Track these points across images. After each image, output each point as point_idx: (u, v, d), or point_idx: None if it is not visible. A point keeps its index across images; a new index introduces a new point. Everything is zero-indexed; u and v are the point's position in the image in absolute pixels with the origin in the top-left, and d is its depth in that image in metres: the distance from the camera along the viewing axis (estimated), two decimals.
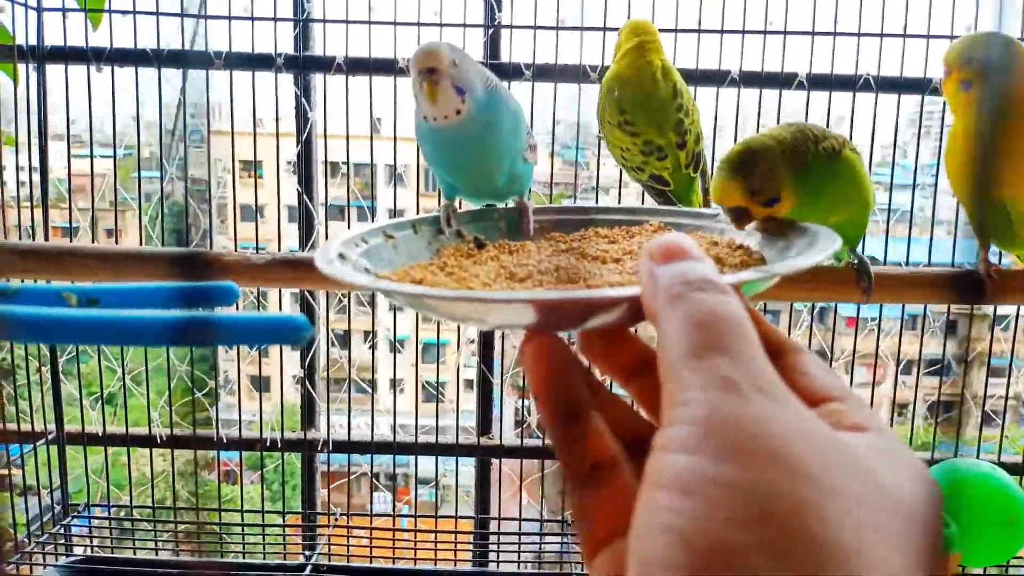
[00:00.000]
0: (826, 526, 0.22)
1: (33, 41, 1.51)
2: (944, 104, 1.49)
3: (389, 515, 1.71)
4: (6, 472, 1.65)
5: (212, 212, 1.69)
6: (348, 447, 1.65)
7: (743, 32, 1.50)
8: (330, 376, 1.74)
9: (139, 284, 0.94)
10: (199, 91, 1.57)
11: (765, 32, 1.50)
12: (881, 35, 1.49)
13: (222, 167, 1.58)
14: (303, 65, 1.55)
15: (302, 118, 1.57)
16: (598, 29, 1.51)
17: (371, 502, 1.71)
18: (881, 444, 0.26)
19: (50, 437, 1.61)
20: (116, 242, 1.55)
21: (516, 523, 1.70)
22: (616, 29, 1.50)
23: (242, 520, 1.67)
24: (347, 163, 1.56)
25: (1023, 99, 0.91)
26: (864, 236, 0.99)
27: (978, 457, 1.69)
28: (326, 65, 1.53)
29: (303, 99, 1.57)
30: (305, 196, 1.59)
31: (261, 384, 1.77)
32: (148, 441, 1.64)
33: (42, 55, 1.52)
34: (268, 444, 1.64)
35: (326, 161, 1.62)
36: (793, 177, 0.79)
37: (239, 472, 1.77)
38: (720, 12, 1.48)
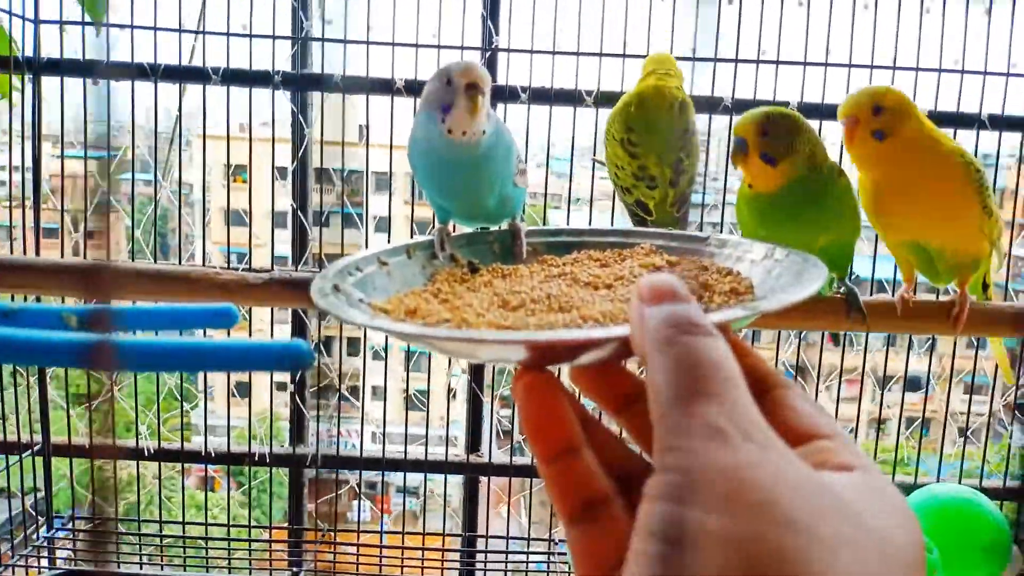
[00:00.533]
0: (812, 573, 0.22)
1: (30, 52, 1.51)
2: None
3: (376, 531, 1.71)
4: None
5: (205, 218, 1.70)
6: (337, 462, 1.65)
7: (736, 60, 1.53)
8: (319, 385, 1.74)
9: (135, 306, 0.95)
10: (195, 104, 1.58)
11: (758, 61, 1.53)
12: (871, 66, 1.52)
13: (213, 172, 1.58)
14: (300, 82, 1.56)
15: (298, 133, 1.58)
16: (594, 55, 1.53)
17: (358, 512, 1.71)
18: (868, 484, 0.27)
19: (36, 448, 1.60)
20: (107, 249, 1.54)
21: (503, 540, 1.70)
22: (611, 55, 1.53)
23: (228, 535, 1.67)
24: (342, 173, 1.57)
25: (921, 148, 0.93)
26: (850, 265, 1.01)
27: (960, 480, 1.72)
28: (323, 83, 1.54)
29: (299, 115, 1.57)
30: (299, 210, 1.59)
31: (251, 393, 1.76)
32: (135, 453, 1.63)
33: (38, 67, 1.52)
34: (256, 459, 1.64)
35: (321, 169, 1.62)
36: (800, 165, 0.82)
37: (227, 482, 1.76)
38: (714, 41, 1.51)
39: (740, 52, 1.52)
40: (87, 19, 1.49)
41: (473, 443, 1.70)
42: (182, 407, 1.64)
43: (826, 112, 1.53)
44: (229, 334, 1.33)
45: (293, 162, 1.60)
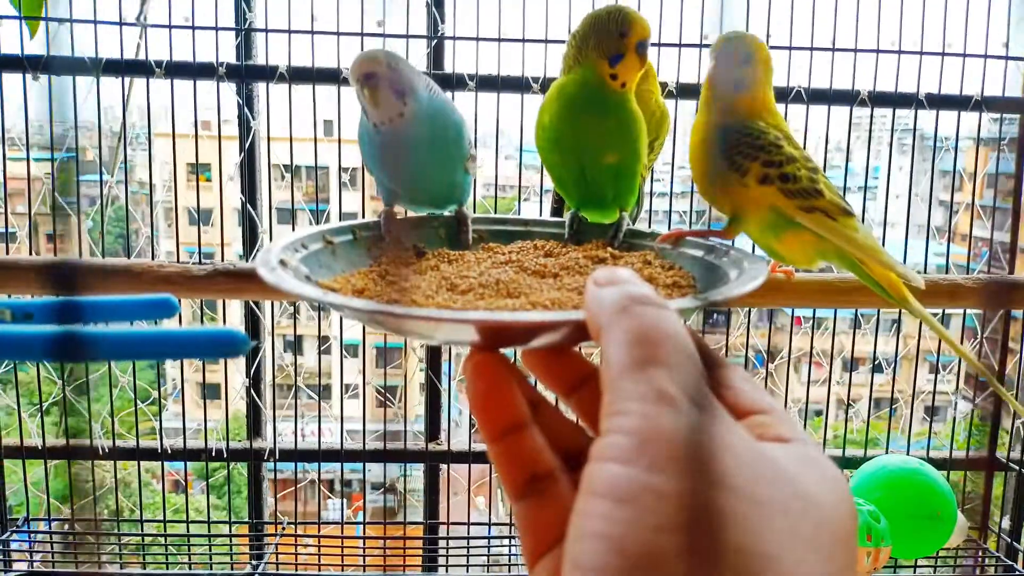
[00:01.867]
0: (748, 534, 0.23)
1: None
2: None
3: (337, 523, 1.71)
4: None
5: (154, 216, 1.68)
6: (295, 455, 1.65)
7: (679, 45, 1.55)
8: (276, 383, 1.74)
9: (73, 298, 0.93)
10: (141, 97, 1.56)
11: (701, 45, 1.55)
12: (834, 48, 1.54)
13: (168, 171, 1.57)
14: (245, 74, 1.54)
15: (245, 126, 1.57)
16: (540, 41, 1.54)
17: (319, 509, 1.71)
18: (803, 454, 0.28)
19: None
20: (55, 248, 1.51)
21: (465, 528, 1.71)
22: (558, 41, 1.53)
23: (187, 531, 1.66)
24: (291, 168, 1.57)
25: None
26: (635, 199, 0.98)
27: (908, 452, 1.76)
28: (269, 74, 1.53)
29: (245, 108, 1.56)
30: (248, 204, 1.59)
31: (205, 392, 1.75)
32: (91, 453, 1.62)
33: None
34: (213, 454, 1.63)
35: (270, 165, 1.61)
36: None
37: (184, 479, 1.75)
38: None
39: (684, 37, 1.54)
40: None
41: (432, 432, 1.71)
42: (136, 405, 1.63)
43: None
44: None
45: (240, 155, 1.58)
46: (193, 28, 1.51)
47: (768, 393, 0.32)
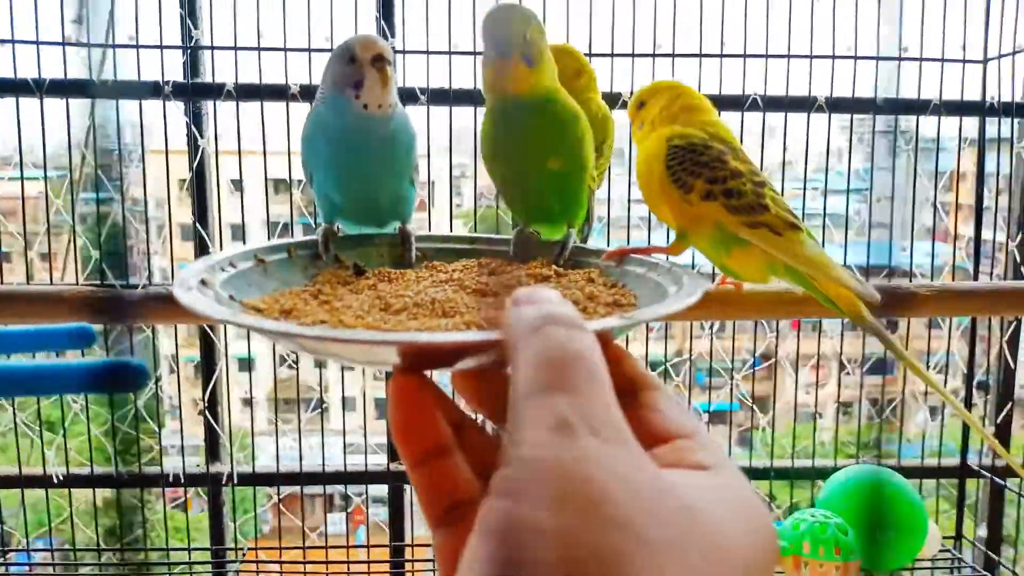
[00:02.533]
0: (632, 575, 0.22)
1: None
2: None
3: (299, 547, 1.67)
4: None
5: (149, 233, 1.65)
6: (252, 479, 1.62)
7: (632, 55, 1.52)
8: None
9: None
10: (108, 118, 1.53)
11: (654, 55, 1.53)
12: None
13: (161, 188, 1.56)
14: (192, 92, 1.52)
15: (193, 144, 1.54)
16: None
17: (279, 532, 1.67)
18: (719, 484, 0.27)
19: None
20: (50, 267, 1.48)
21: (431, 549, 1.68)
22: None
23: (145, 559, 1.62)
24: (240, 184, 1.54)
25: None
26: (583, 215, 0.94)
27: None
28: (216, 91, 1.51)
29: (193, 126, 1.54)
30: (198, 222, 1.56)
31: (159, 410, 1.72)
32: (44, 482, 1.58)
33: None
34: (171, 480, 1.60)
35: (219, 182, 1.58)
36: (548, 73, 0.78)
37: (134, 502, 1.72)
38: (610, 35, 1.50)
39: (636, 46, 1.52)
40: None
41: (393, 452, 1.68)
42: (113, 428, 1.59)
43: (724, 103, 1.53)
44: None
45: (189, 173, 1.56)
46: (137, 47, 1.48)
47: (694, 416, 0.31)
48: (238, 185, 1.56)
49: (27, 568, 1.64)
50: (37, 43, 1.47)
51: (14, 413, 1.56)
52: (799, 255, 0.90)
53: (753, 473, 1.68)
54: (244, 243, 1.54)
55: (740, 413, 1.83)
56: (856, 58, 1.49)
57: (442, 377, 0.40)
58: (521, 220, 0.87)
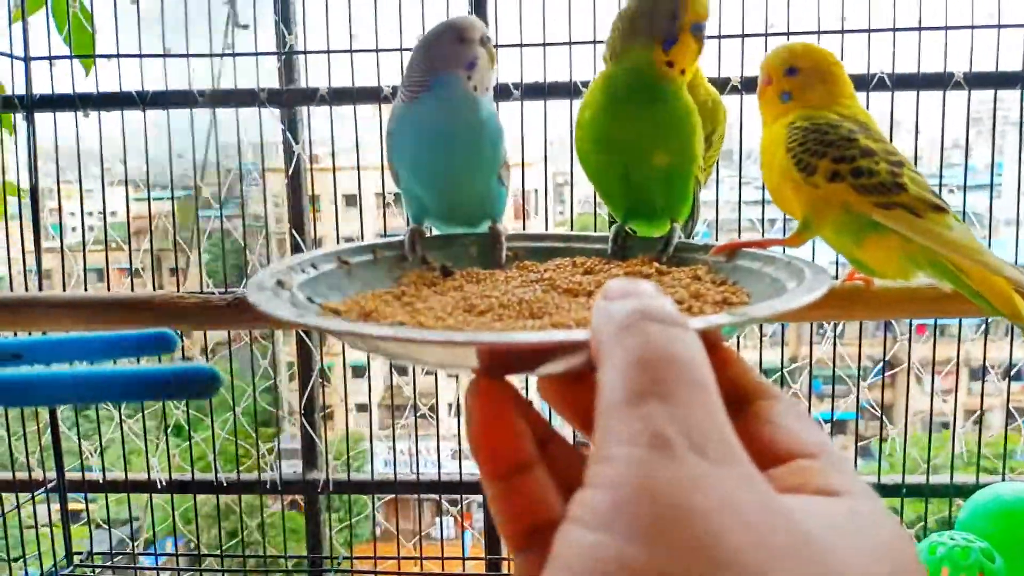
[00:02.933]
0: None
1: (21, 90, 1.51)
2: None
3: (394, 557, 1.64)
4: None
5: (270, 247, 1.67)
6: (349, 487, 1.60)
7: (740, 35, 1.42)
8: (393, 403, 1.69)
9: (68, 335, 0.89)
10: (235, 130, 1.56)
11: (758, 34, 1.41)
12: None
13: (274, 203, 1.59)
14: (287, 98, 1.52)
15: (288, 152, 1.54)
16: (589, 43, 1.45)
17: (374, 542, 1.65)
18: (850, 513, 0.22)
19: (50, 485, 1.59)
20: (178, 282, 1.54)
21: None
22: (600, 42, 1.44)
23: (244, 566, 1.63)
24: (335, 194, 1.53)
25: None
26: (690, 210, 0.86)
27: None
28: (310, 97, 1.50)
29: (288, 132, 1.53)
30: (295, 230, 1.55)
31: (257, 420, 1.73)
32: (148, 487, 1.61)
33: (31, 103, 1.52)
34: (268, 487, 1.60)
35: (335, 195, 1.58)
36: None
37: (240, 511, 1.73)
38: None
39: (746, 26, 1.41)
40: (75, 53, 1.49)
41: None
42: (190, 436, 1.61)
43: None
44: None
45: (285, 182, 1.56)
46: (234, 55, 1.49)
47: (821, 430, 0.26)
48: (352, 200, 1.55)
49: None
50: (140, 56, 1.50)
51: (120, 421, 1.60)
52: (944, 239, 0.79)
53: (882, 490, 1.53)
54: None
55: (861, 423, 1.68)
56: (1000, 27, 1.33)
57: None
58: (619, 217, 0.80)
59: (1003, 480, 1.55)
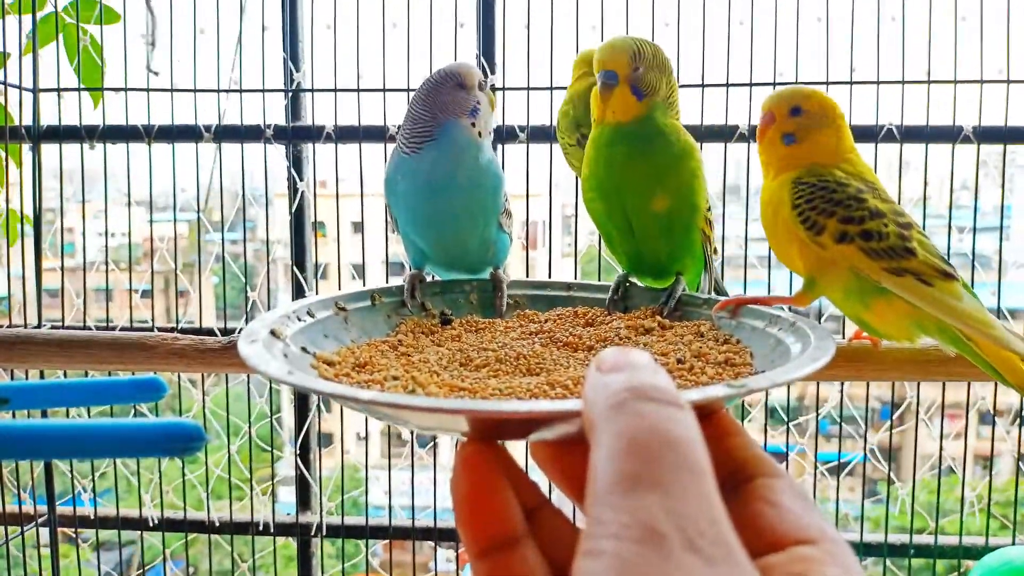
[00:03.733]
0: None
1: (28, 121, 1.52)
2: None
3: None
4: None
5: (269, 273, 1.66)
6: (343, 531, 1.56)
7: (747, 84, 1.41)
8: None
9: (56, 380, 0.87)
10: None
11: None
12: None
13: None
14: (292, 135, 1.51)
15: (292, 187, 1.54)
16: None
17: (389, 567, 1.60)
18: None
19: (40, 520, 1.57)
20: (185, 304, 1.52)
21: None
22: None
23: None
24: (337, 228, 1.53)
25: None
26: (699, 268, 0.84)
27: None
28: (316, 134, 1.50)
29: (292, 169, 1.53)
30: (295, 266, 1.54)
31: (252, 456, 1.70)
32: (140, 524, 1.58)
33: (38, 135, 1.53)
34: (260, 528, 1.57)
35: (338, 223, 1.57)
36: (658, 105, 0.75)
37: (232, 553, 1.69)
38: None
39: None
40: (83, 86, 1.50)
41: None
42: (184, 472, 1.59)
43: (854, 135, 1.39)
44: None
45: (289, 216, 1.55)
46: (241, 91, 1.49)
47: (819, 514, 0.25)
48: (358, 227, 1.54)
49: None
50: (147, 90, 1.51)
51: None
52: (953, 310, 0.77)
53: (890, 550, 1.48)
54: (363, 283, 1.51)
55: (868, 464, 1.65)
56: (1010, 82, 1.32)
57: None
58: (624, 268, 0.79)
59: (1013, 541, 1.50)
